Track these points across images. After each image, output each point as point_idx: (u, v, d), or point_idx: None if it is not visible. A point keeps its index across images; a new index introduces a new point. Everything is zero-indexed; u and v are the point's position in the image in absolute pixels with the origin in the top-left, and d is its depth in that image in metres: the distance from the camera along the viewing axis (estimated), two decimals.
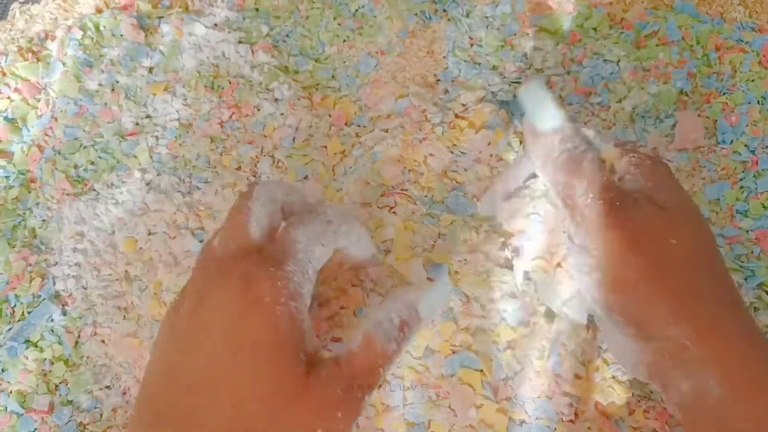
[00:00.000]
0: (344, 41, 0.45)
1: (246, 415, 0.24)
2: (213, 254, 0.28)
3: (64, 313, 0.39)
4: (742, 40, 0.41)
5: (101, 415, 0.37)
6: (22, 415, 0.37)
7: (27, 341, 0.39)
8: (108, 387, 0.38)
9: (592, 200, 0.29)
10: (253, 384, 0.25)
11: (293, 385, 0.25)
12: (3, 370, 0.38)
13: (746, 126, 0.39)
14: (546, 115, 0.31)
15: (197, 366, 0.25)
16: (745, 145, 0.39)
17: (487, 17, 0.44)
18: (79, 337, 0.39)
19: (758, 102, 0.39)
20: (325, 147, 0.42)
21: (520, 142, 0.38)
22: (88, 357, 0.38)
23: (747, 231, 0.37)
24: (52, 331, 0.39)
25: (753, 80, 0.40)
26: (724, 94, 0.40)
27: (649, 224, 0.28)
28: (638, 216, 0.28)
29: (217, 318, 0.26)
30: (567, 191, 0.30)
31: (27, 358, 0.38)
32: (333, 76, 0.44)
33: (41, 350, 0.39)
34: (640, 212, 0.28)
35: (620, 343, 0.29)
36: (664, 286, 0.27)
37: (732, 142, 0.39)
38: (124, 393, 0.38)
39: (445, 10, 0.45)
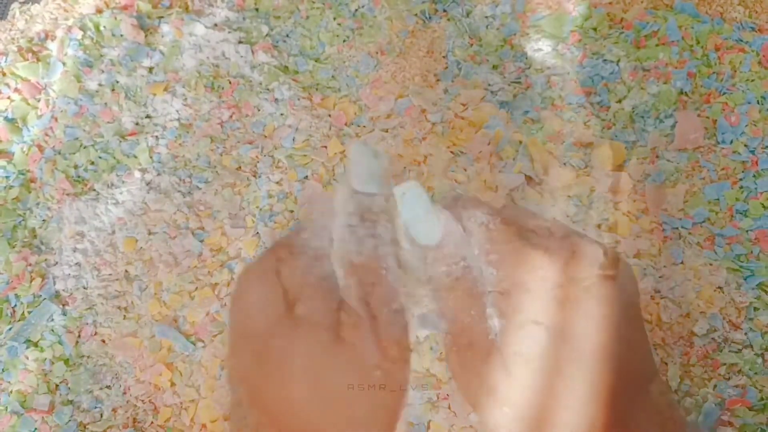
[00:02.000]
0: (344, 41, 0.45)
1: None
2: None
3: (65, 313, 0.39)
4: (741, 40, 0.41)
5: (101, 415, 0.37)
6: (22, 414, 0.37)
7: (27, 341, 0.39)
8: (108, 387, 0.38)
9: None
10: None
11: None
12: (3, 370, 0.38)
13: (746, 126, 0.39)
14: (426, 230, 0.27)
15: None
16: (745, 145, 0.39)
17: (487, 17, 0.44)
18: (79, 336, 0.39)
19: (758, 102, 0.39)
20: (325, 147, 0.42)
21: (520, 142, 0.38)
22: (88, 357, 0.38)
23: (747, 231, 0.37)
24: (53, 330, 0.39)
25: (753, 80, 0.40)
26: (724, 94, 0.40)
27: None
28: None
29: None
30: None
31: (27, 357, 0.38)
32: (333, 76, 0.44)
33: (41, 350, 0.39)
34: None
35: None
36: None
37: (732, 142, 0.39)
38: (125, 393, 0.38)
39: (445, 10, 0.45)
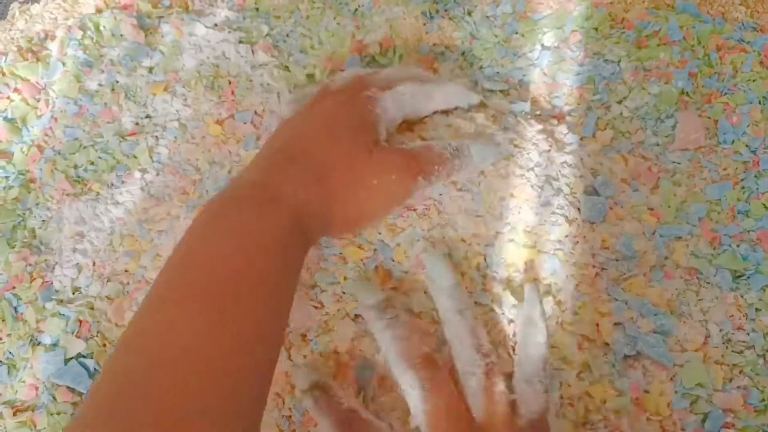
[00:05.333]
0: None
1: (330, 164, 0.34)
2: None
3: (64, 314, 0.39)
4: (743, 40, 0.41)
5: None
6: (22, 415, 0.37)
7: (28, 341, 0.39)
8: None
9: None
10: (335, 149, 0.34)
11: (361, 153, 0.34)
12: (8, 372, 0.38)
13: (747, 126, 0.39)
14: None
15: (308, 131, 0.35)
16: (746, 146, 0.39)
17: (488, 17, 0.44)
18: (79, 337, 0.39)
19: (759, 102, 0.39)
20: None
21: (514, 146, 0.38)
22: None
23: (748, 231, 0.37)
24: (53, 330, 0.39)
25: (754, 80, 0.40)
26: (725, 94, 0.40)
27: None
28: None
29: (326, 106, 0.36)
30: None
31: (28, 357, 0.38)
32: None
33: (44, 349, 0.39)
34: None
35: None
36: None
37: (733, 142, 0.39)
38: None
39: (446, 10, 0.45)
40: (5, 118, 0.45)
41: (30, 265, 0.41)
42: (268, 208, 0.31)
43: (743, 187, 0.38)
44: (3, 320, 0.39)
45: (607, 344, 0.35)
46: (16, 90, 0.45)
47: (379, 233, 0.37)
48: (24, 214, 0.42)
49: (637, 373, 0.34)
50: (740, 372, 0.34)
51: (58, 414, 0.37)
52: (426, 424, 0.31)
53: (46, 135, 0.44)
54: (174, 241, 0.40)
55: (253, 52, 0.45)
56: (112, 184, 0.42)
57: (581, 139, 0.39)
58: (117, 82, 0.44)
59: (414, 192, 0.35)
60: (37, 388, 0.38)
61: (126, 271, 0.40)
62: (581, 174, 0.38)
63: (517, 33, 0.44)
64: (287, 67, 0.44)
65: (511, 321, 0.35)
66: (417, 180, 0.34)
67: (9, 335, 0.39)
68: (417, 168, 0.34)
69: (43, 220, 0.42)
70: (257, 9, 0.47)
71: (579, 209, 0.37)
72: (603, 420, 0.33)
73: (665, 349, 0.34)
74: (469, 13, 0.45)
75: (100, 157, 0.43)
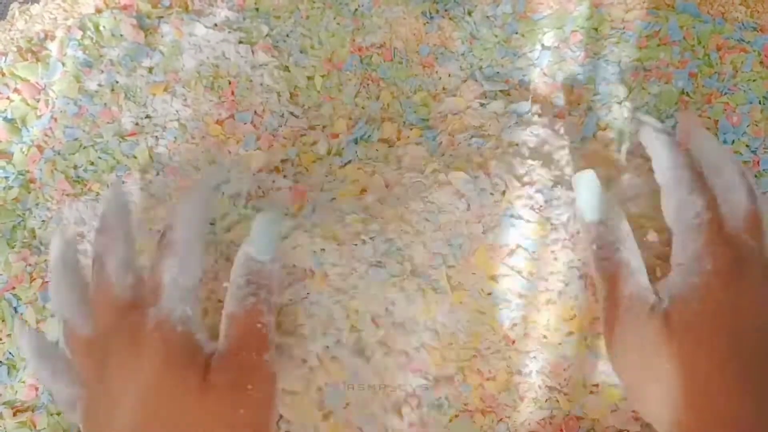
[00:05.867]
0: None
1: (157, 413, 0.28)
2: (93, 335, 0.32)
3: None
4: (743, 40, 0.41)
5: None
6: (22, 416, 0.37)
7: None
8: None
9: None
10: (159, 394, 0.28)
11: (192, 383, 0.28)
12: (8, 373, 0.38)
13: (747, 126, 0.39)
14: (591, 207, 0.33)
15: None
16: (747, 146, 0.39)
17: (488, 17, 0.44)
18: None
19: (760, 102, 0.39)
20: None
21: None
22: None
23: None
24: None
25: (754, 80, 0.40)
26: (726, 94, 0.40)
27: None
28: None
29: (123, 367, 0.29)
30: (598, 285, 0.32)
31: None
32: None
33: None
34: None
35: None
36: None
37: (733, 142, 0.39)
38: None
39: (446, 10, 0.45)
40: (5, 119, 0.45)
41: (30, 265, 0.41)
42: None
43: None
44: (3, 320, 0.39)
45: None
46: (15, 90, 0.45)
47: None
48: (24, 214, 0.42)
49: None
50: None
51: (58, 414, 0.37)
52: None
53: (46, 135, 0.44)
54: None
55: (253, 52, 0.45)
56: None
57: (581, 139, 0.39)
58: (117, 82, 0.44)
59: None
60: (37, 389, 0.38)
61: None
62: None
63: (517, 33, 0.44)
64: (287, 67, 0.44)
65: None
66: (262, 366, 0.30)
67: (9, 335, 0.39)
68: (252, 353, 0.30)
69: (42, 221, 0.42)
70: (257, 9, 0.47)
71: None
72: None
73: None
74: (469, 13, 0.45)
75: (99, 158, 0.43)
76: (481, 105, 0.41)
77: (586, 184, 0.33)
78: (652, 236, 0.34)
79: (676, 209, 0.31)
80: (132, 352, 0.29)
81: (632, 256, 0.31)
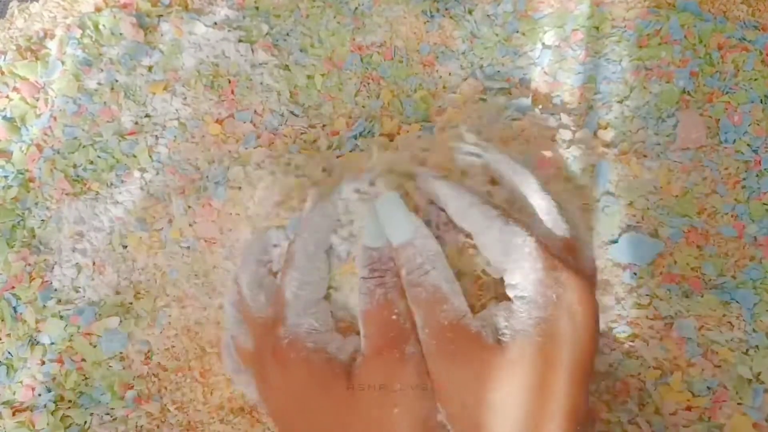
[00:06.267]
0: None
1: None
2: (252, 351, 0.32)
3: (64, 314, 0.39)
4: (744, 39, 0.41)
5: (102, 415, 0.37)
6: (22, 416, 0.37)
7: (28, 341, 0.39)
8: None
9: (427, 336, 0.28)
10: (310, 412, 0.28)
11: (338, 395, 0.28)
12: (6, 373, 0.38)
13: (749, 125, 0.39)
14: (397, 229, 0.30)
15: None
16: (748, 145, 0.39)
17: (489, 15, 0.44)
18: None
19: (761, 101, 0.39)
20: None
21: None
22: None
23: None
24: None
25: (756, 79, 0.40)
26: (727, 93, 0.40)
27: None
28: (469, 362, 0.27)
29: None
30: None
31: (27, 358, 0.38)
32: None
33: (42, 350, 0.38)
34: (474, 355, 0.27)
35: None
36: None
37: (734, 141, 0.39)
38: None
39: (447, 9, 0.45)
40: (4, 117, 0.44)
41: (29, 264, 0.40)
42: None
43: (744, 187, 0.38)
44: (2, 320, 0.39)
45: None
46: (15, 89, 0.45)
47: None
48: (23, 213, 0.42)
49: None
50: None
51: (58, 414, 0.37)
52: None
53: (45, 134, 0.44)
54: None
55: (252, 51, 0.45)
56: (112, 184, 0.42)
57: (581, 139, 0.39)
58: (116, 81, 0.44)
59: None
60: (33, 389, 0.38)
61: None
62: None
63: (517, 32, 0.43)
64: (287, 66, 0.44)
65: None
66: (403, 360, 0.28)
67: (8, 335, 0.39)
68: (395, 351, 0.28)
69: (42, 220, 0.42)
70: (257, 8, 0.47)
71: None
72: None
73: None
74: (470, 12, 0.45)
75: (99, 157, 0.43)
76: (482, 100, 0.41)
77: (390, 206, 0.30)
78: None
79: (499, 242, 0.29)
80: (277, 372, 0.29)
81: (443, 279, 0.28)
